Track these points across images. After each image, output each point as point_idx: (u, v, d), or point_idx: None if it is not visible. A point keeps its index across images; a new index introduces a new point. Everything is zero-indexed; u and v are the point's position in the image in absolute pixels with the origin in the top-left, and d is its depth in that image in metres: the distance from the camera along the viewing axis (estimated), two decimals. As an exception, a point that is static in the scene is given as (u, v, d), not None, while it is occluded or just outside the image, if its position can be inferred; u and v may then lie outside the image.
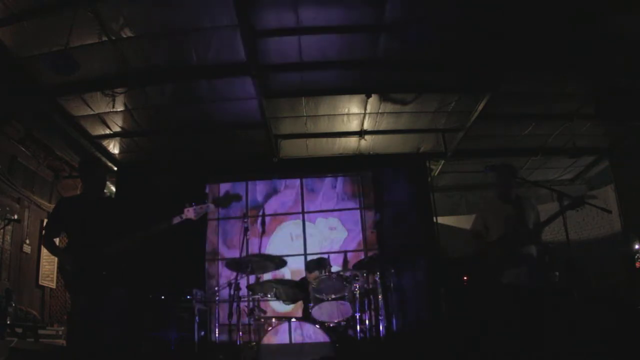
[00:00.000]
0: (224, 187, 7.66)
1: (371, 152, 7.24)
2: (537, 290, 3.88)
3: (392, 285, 5.34)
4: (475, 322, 4.66)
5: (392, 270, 5.40)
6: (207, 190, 7.42)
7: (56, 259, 6.96)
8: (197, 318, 5.25)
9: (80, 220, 3.47)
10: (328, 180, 7.60)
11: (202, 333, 5.42)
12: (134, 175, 7.17)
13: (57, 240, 3.71)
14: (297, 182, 7.58)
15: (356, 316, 4.68)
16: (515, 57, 5.03)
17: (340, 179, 7.59)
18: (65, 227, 3.58)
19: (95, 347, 3.23)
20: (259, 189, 7.60)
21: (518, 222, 3.96)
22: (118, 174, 7.28)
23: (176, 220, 3.50)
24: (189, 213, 3.51)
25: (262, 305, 5.43)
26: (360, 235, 7.30)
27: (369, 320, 4.99)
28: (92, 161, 4.67)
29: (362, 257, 6.80)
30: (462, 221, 7.61)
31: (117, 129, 6.22)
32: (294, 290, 5.10)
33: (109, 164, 7.01)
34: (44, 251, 6.81)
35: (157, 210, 3.59)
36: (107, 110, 5.67)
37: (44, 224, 6.85)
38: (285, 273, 6.71)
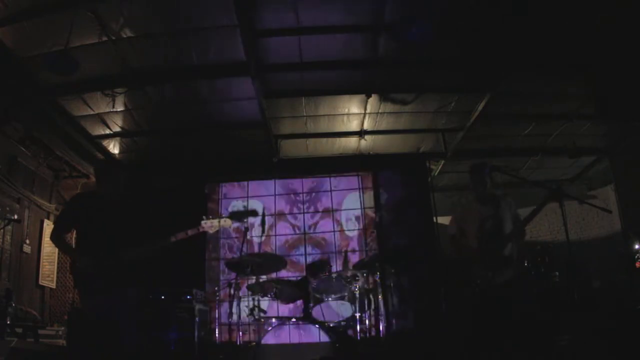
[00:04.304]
0: (224, 188, 7.65)
1: (371, 152, 7.24)
2: (513, 290, 3.70)
3: (392, 285, 5.33)
4: (467, 326, 4.62)
5: (392, 270, 5.39)
6: (206, 190, 7.42)
7: (56, 259, 7.06)
8: (197, 318, 5.25)
9: (95, 220, 3.39)
10: (328, 180, 7.59)
11: (202, 333, 5.42)
12: (134, 175, 7.15)
13: (67, 237, 3.64)
14: (297, 182, 7.58)
15: (356, 316, 4.67)
16: (516, 57, 5.02)
17: (340, 179, 7.59)
18: (78, 224, 3.47)
19: (106, 347, 3.20)
20: (259, 189, 7.59)
21: (494, 223, 3.81)
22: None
23: (192, 232, 3.56)
24: (207, 226, 3.58)
25: (262, 305, 5.43)
26: (361, 235, 7.30)
27: (369, 320, 4.98)
28: (111, 163, 4.56)
29: (362, 257, 6.80)
30: (462, 221, 7.59)
31: (117, 129, 6.22)
32: (294, 290, 5.10)
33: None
34: (44, 251, 6.81)
35: (160, 211, 3.59)
36: (107, 110, 5.66)
37: (43, 223, 6.86)
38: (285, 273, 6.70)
